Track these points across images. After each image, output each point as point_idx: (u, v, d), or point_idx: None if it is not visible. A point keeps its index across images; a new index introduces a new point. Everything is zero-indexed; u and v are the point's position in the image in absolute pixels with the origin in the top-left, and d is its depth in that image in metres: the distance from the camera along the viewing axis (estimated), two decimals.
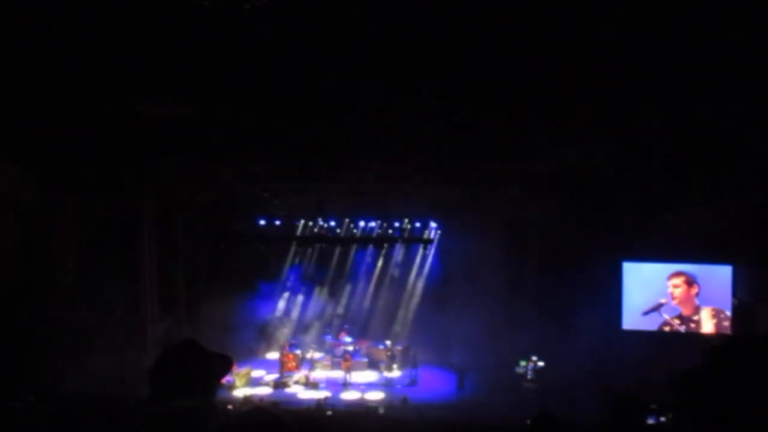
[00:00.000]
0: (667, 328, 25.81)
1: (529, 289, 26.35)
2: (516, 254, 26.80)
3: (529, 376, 26.29)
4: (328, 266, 30.53)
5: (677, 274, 25.76)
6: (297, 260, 30.59)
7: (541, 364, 26.28)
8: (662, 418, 6.98)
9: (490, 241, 26.51)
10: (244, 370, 26.30)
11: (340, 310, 30.07)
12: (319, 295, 30.25)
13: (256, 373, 27.05)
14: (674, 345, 25.10)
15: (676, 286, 25.78)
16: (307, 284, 30.41)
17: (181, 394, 4.78)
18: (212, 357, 4.99)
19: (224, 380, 17.19)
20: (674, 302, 25.78)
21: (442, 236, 29.44)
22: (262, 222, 29.35)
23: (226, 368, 5.10)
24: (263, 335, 29.34)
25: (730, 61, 21.32)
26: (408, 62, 22.81)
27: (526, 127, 23.07)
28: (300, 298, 30.23)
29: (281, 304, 29.99)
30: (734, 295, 25.23)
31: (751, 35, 19.15)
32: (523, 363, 26.40)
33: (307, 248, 30.56)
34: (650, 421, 6.83)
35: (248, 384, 25.94)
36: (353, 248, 30.43)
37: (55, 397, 20.87)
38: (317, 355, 28.32)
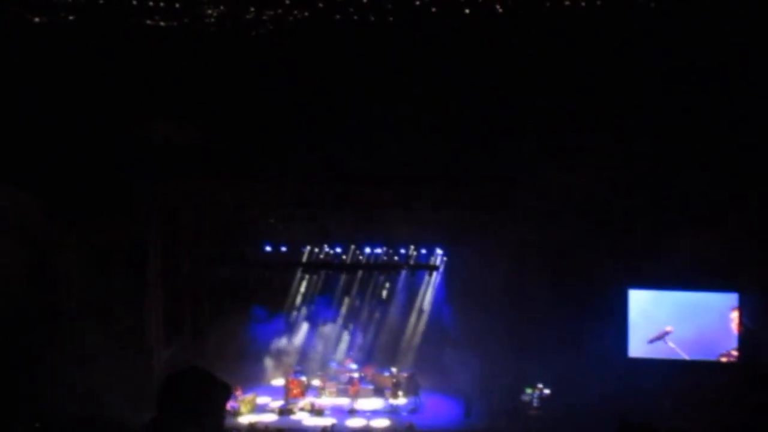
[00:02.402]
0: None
1: (535, 315, 26.26)
2: (522, 281, 26.74)
3: (535, 404, 26.16)
4: (333, 293, 30.43)
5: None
6: (303, 287, 30.49)
7: (547, 391, 26.15)
8: None
9: (496, 268, 26.45)
10: (249, 396, 26.21)
11: (346, 336, 29.97)
12: (328, 324, 30.15)
13: (262, 400, 26.94)
14: (680, 372, 25.07)
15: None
16: (328, 312, 30.28)
17: (189, 419, 4.76)
18: (214, 382, 4.99)
19: (229, 407, 17.18)
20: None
21: (448, 263, 29.38)
22: (268, 248, 29.31)
23: (227, 395, 5.09)
24: (268, 361, 29.22)
25: (734, 87, 21.38)
26: (416, 90, 22.94)
27: (530, 154, 23.16)
28: (306, 325, 30.12)
29: (287, 331, 29.87)
30: (741, 323, 25.17)
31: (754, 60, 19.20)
32: (529, 390, 26.28)
33: (312, 274, 30.48)
34: None
35: (253, 410, 25.86)
36: (359, 275, 30.35)
37: (59, 422, 20.86)
38: (322, 381, 28.17)
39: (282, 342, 29.55)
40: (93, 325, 24.34)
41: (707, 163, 23.46)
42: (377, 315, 30.00)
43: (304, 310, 30.31)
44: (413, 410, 26.33)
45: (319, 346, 29.74)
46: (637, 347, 25.92)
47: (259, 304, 29.34)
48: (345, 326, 30.06)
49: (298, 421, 25.33)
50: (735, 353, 25.52)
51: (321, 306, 30.26)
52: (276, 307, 29.68)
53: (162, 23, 26.56)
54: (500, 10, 25.25)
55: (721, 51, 21.22)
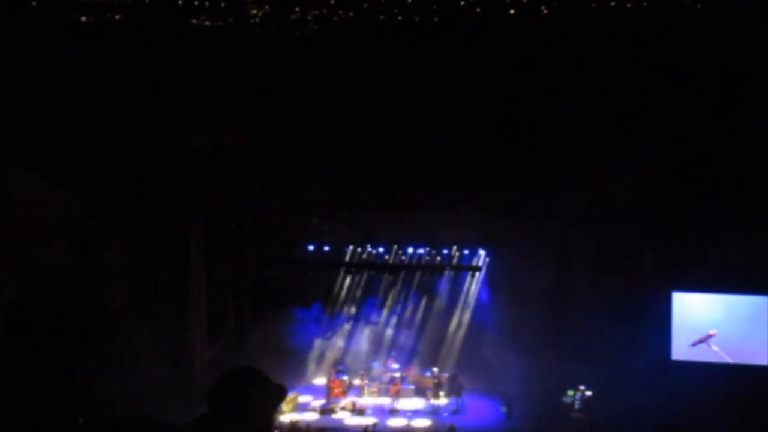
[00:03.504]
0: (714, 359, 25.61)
1: (578, 318, 26.20)
2: (565, 284, 26.70)
3: (576, 406, 26.09)
4: (376, 293, 30.46)
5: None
6: (346, 287, 30.53)
7: (588, 393, 26.07)
8: None
9: (539, 270, 26.44)
10: (290, 395, 26.26)
11: (389, 336, 30.00)
12: (370, 324, 30.19)
13: (303, 399, 27.09)
14: (725, 376, 24.92)
15: None
16: (371, 312, 30.33)
17: (240, 419, 4.83)
18: (268, 383, 5.04)
19: None
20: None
21: (490, 264, 29.33)
22: (311, 248, 29.41)
23: (282, 396, 5.14)
24: (310, 361, 29.34)
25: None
26: (462, 93, 22.96)
27: (576, 159, 23.13)
28: (349, 325, 30.18)
29: (329, 331, 29.96)
30: None
31: None
32: (570, 392, 26.21)
33: (355, 275, 30.54)
34: None
35: (295, 409, 25.98)
36: (401, 275, 30.36)
37: (103, 421, 21.08)
38: (363, 381, 28.22)
39: (324, 342, 29.64)
40: (137, 325, 24.60)
41: (753, 167, 23.35)
42: (419, 315, 29.97)
43: (346, 311, 30.34)
44: (455, 411, 26.35)
45: (362, 347, 29.79)
46: (681, 350, 25.81)
47: (302, 305, 29.42)
48: (387, 326, 30.07)
49: (340, 420, 25.43)
50: None
51: (364, 306, 30.30)
52: (318, 307, 29.73)
53: (207, 23, 26.75)
54: (545, 11, 25.24)
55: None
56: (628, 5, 24.13)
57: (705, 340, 25.65)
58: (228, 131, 25.33)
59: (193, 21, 26.81)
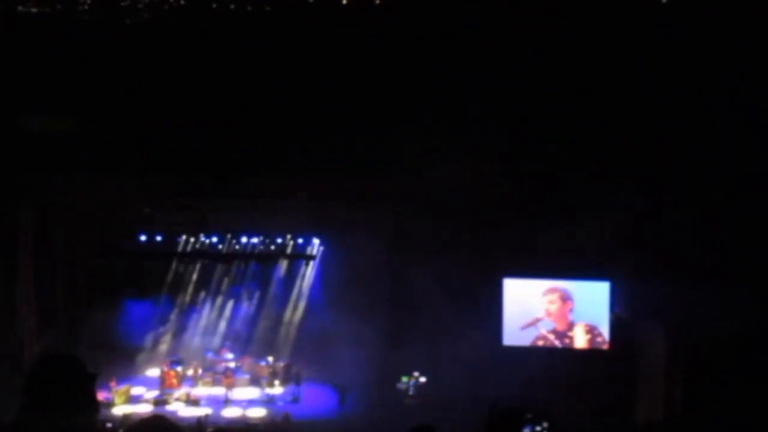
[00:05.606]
0: (541, 342, 26.29)
1: (412, 305, 26.50)
2: (399, 272, 26.97)
3: (411, 392, 26.43)
4: (209, 283, 30.23)
5: (551, 290, 26.26)
6: (179, 277, 30.19)
7: (423, 379, 26.44)
8: (537, 428, 7.15)
9: (373, 258, 26.65)
10: (123, 387, 25.91)
11: (223, 326, 29.83)
12: (204, 313, 29.97)
13: (136, 391, 26.65)
14: (553, 359, 25.60)
15: (551, 303, 26.26)
16: (204, 302, 30.06)
17: (60, 411, 4.68)
18: (86, 372, 4.90)
19: (103, 398, 17.04)
20: (549, 318, 26.25)
21: (324, 253, 29.43)
22: (143, 237, 28.98)
23: (91, 383, 4.96)
24: (143, 352, 28.94)
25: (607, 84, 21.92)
26: (296, 76, 22.92)
27: (408, 147, 23.36)
28: (181, 315, 29.86)
29: (161, 321, 29.59)
30: (612, 311, 25.78)
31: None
32: (404, 379, 26.54)
33: (188, 264, 30.23)
34: (526, 430, 6.99)
35: (128, 401, 25.58)
36: (235, 264, 30.21)
37: None
38: (197, 371, 27.98)
39: (157, 333, 29.29)
40: None
41: (581, 157, 23.99)
42: (254, 305, 29.87)
43: (180, 301, 30.02)
44: (295, 400, 26.40)
45: (195, 337, 29.54)
46: (512, 335, 26.37)
47: (134, 295, 28.96)
48: (221, 316, 29.89)
49: (174, 412, 25.10)
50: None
51: (197, 296, 30.04)
52: (151, 297, 29.32)
53: (34, 10, 26.02)
54: None
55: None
56: None
57: (534, 323, 26.31)
58: (58, 119, 24.73)
59: (20, 8, 26.08)
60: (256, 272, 30.21)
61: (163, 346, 29.29)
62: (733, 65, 20.85)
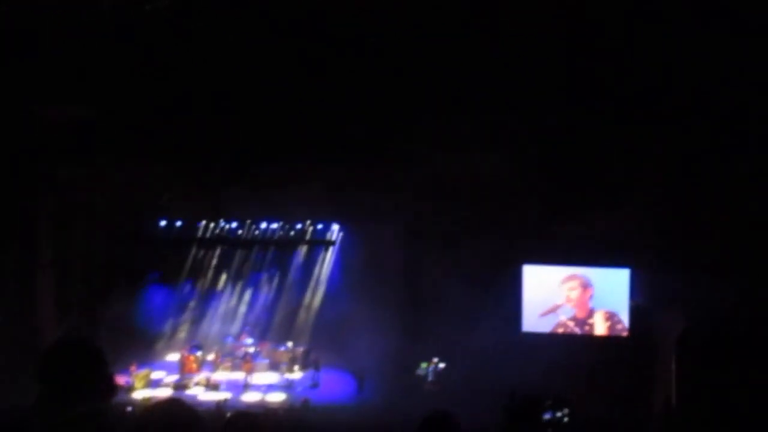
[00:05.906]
0: (561, 330, 26.26)
1: (431, 292, 26.48)
2: (418, 259, 26.97)
3: (430, 378, 26.43)
4: (229, 269, 30.30)
5: (572, 277, 26.22)
6: (198, 263, 30.25)
7: (442, 365, 26.43)
8: (557, 414, 7.13)
9: (391, 244, 26.68)
10: (143, 372, 26.02)
11: (242, 311, 29.90)
12: (223, 299, 30.04)
13: (156, 375, 26.72)
14: (573, 346, 25.56)
15: (571, 289, 26.22)
16: (224, 288, 30.13)
17: (76, 397, 4.66)
18: (102, 356, 4.87)
19: (123, 382, 17.02)
20: (569, 305, 26.21)
21: (344, 239, 29.43)
22: (163, 223, 29.06)
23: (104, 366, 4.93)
24: (163, 337, 29.04)
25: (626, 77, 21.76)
26: (309, 65, 22.87)
27: (424, 135, 23.31)
28: (202, 300, 29.94)
29: (182, 307, 29.69)
30: (632, 298, 25.71)
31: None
32: (423, 365, 26.53)
33: (208, 250, 30.30)
34: (546, 417, 6.97)
35: (147, 386, 25.65)
36: (254, 250, 30.26)
37: None
38: (217, 356, 28.07)
39: (177, 318, 29.38)
40: None
41: (600, 146, 23.89)
42: (273, 291, 29.92)
43: (199, 286, 30.11)
44: (314, 385, 26.42)
45: (215, 322, 29.62)
46: (531, 322, 26.35)
47: (154, 281, 29.07)
48: (241, 302, 29.95)
49: (193, 396, 25.18)
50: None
51: (217, 282, 30.11)
52: (171, 283, 29.42)
53: None
54: None
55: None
56: None
57: (553, 310, 26.28)
58: (78, 107, 24.76)
59: None
60: (276, 258, 30.27)
61: (183, 332, 29.38)
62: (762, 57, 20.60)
